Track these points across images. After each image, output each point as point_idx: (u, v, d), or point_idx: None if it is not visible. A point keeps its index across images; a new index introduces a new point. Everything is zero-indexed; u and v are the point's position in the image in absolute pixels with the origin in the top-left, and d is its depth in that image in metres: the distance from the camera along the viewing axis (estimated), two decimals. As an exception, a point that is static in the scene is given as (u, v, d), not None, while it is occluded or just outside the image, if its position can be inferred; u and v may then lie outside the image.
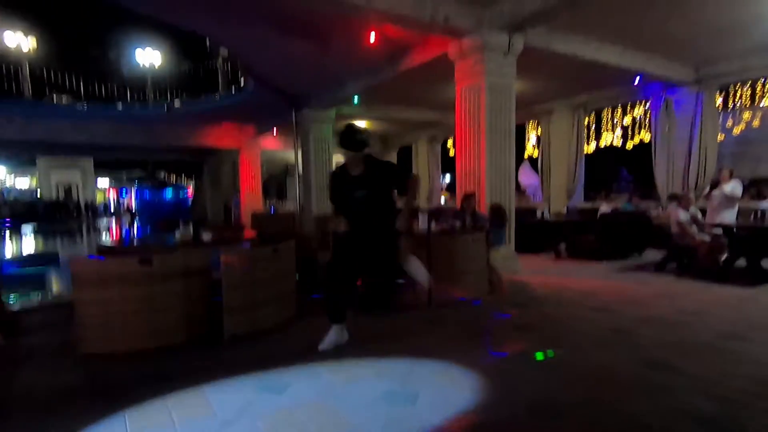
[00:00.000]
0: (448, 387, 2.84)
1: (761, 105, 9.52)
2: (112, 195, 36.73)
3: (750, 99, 10.16)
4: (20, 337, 4.09)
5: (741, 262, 6.12)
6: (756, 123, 9.77)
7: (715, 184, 7.45)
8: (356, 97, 10.90)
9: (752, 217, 6.99)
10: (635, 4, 6.36)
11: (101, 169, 33.36)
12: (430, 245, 4.90)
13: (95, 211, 31.38)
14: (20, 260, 9.45)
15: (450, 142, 17.01)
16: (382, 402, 2.64)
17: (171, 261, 3.66)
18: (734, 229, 6.22)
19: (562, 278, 6.35)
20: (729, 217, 6.82)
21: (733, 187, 6.91)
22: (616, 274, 6.62)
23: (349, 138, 3.41)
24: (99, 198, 34.33)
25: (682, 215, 6.43)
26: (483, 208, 6.63)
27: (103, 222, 28.33)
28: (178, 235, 4.71)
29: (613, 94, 11.17)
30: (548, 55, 7.54)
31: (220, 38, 9.78)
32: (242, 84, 12.58)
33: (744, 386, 2.76)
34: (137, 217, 29.16)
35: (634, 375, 2.96)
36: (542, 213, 9.58)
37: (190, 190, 32.22)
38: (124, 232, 23.19)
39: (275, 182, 21.34)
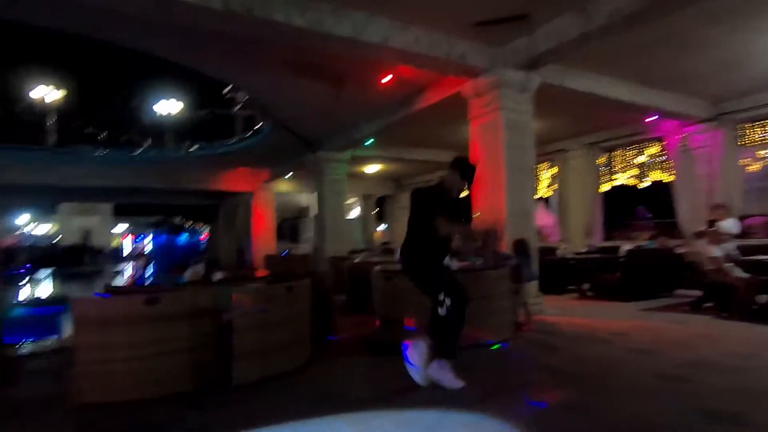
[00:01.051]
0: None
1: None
2: (128, 240, 37.15)
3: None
4: (13, 387, 3.86)
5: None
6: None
7: (711, 222, 7.23)
8: (371, 139, 10.98)
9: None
10: (648, 43, 6.34)
11: (120, 215, 33.96)
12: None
13: (110, 255, 31.66)
14: (30, 303, 9.33)
15: (463, 184, 16.94)
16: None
17: (179, 300, 3.47)
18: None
19: (590, 319, 5.99)
20: (716, 252, 6.44)
21: (730, 224, 6.79)
22: (648, 314, 6.24)
23: (473, 169, 3.60)
24: (114, 243, 34.73)
25: (716, 251, 6.11)
26: (504, 246, 6.38)
27: (116, 266, 28.46)
28: (188, 273, 4.55)
29: (627, 132, 11.07)
30: (563, 92, 7.52)
31: (236, 81, 10.03)
32: (257, 128, 12.82)
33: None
34: (152, 262, 29.25)
35: (692, 429, 2.61)
36: (563, 252, 9.27)
37: (205, 234, 32.43)
38: (136, 275, 23.19)
39: (289, 225, 21.36)
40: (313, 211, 13.94)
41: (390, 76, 7.30)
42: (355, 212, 21.07)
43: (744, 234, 9.54)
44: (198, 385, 3.43)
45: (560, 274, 8.57)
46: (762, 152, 9.54)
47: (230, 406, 3.19)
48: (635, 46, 6.40)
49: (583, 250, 10.60)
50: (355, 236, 18.19)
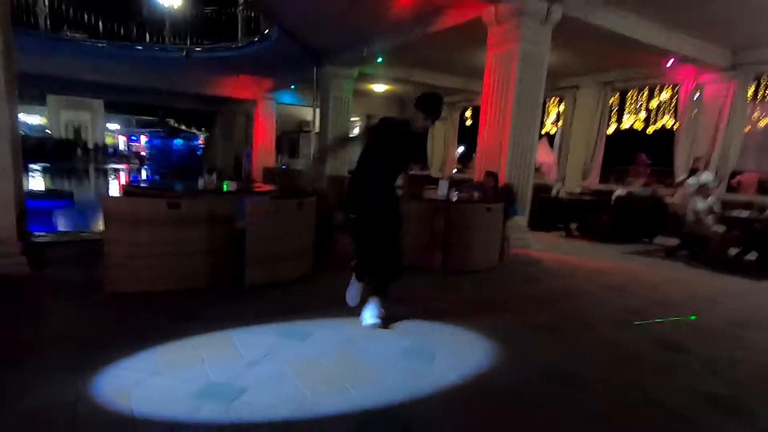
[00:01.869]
0: (465, 349, 2.92)
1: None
2: (122, 139, 36.68)
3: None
4: (47, 268, 4.20)
5: (752, 256, 6.14)
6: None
7: (692, 172, 7.50)
8: (380, 57, 10.66)
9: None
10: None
11: (111, 113, 33.13)
12: (449, 212, 4.95)
13: (105, 153, 31.42)
14: (35, 195, 9.55)
15: (468, 113, 16.77)
16: (402, 357, 2.73)
17: (198, 206, 3.71)
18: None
19: (574, 256, 6.40)
20: (701, 205, 6.74)
21: (708, 177, 7.16)
22: (628, 257, 6.66)
23: (438, 106, 3.22)
24: (108, 141, 34.30)
25: (700, 204, 6.39)
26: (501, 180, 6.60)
27: (112, 164, 28.45)
28: (202, 182, 4.75)
29: (642, 75, 10.86)
30: (584, 28, 7.30)
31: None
32: (264, 34, 12.28)
33: (754, 371, 2.84)
34: (147, 163, 29.23)
35: (648, 354, 3.03)
36: (557, 191, 9.53)
37: (201, 141, 32.14)
38: (131, 176, 23.31)
39: (288, 139, 21.17)
40: (315, 126, 13.80)
41: (409, -5, 7.00)
42: (356, 131, 20.86)
43: (731, 189, 9.88)
44: (214, 284, 3.79)
45: (552, 212, 8.90)
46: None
47: (244, 303, 3.56)
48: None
49: (578, 191, 10.88)
50: (354, 156, 18.22)
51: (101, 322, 3.08)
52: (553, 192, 9.49)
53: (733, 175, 9.93)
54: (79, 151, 28.89)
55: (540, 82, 6.89)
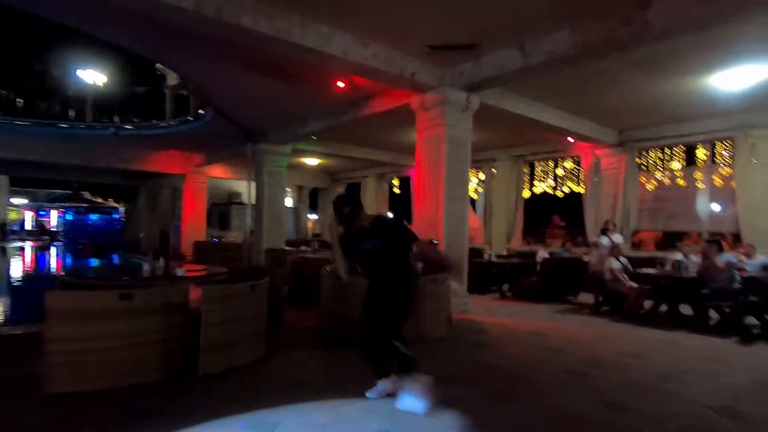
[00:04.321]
0: (435, 426, 3.04)
1: (672, 167, 10.97)
2: (29, 215, 33.70)
3: (661, 161, 11.63)
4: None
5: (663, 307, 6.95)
6: (667, 181, 11.18)
7: (603, 231, 8.52)
8: (314, 135, 11.19)
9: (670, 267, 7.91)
10: (576, 79, 7.30)
11: (19, 187, 30.59)
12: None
13: (2, 231, 28.54)
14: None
15: (396, 182, 17.68)
16: (374, 439, 2.80)
17: (152, 296, 3.63)
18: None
19: (512, 319, 6.81)
20: (615, 264, 7.64)
21: (618, 238, 8.20)
22: (559, 316, 7.22)
23: (339, 210, 3.43)
24: (13, 216, 31.35)
25: (615, 264, 7.22)
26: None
27: (16, 242, 25.91)
28: (147, 267, 4.60)
29: (548, 149, 12.35)
30: (498, 112, 8.33)
31: (183, 70, 9.71)
32: (194, 111, 12.41)
33: (689, 423, 3.20)
34: (60, 239, 26.94)
35: (597, 416, 3.28)
36: (489, 255, 10.21)
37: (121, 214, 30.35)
38: (38, 255, 21.32)
39: (218, 210, 20.71)
40: (245, 197, 13.75)
41: (345, 83, 7.61)
42: (288, 202, 20.97)
43: (635, 246, 11.18)
44: (166, 375, 3.64)
45: (485, 275, 9.47)
46: (658, 174, 11.14)
47: (199, 394, 3.43)
48: (565, 79, 7.31)
49: (504, 254, 11.68)
50: (288, 226, 18.21)
51: (39, 428, 2.84)
52: (485, 256, 10.15)
53: (634, 233, 11.29)
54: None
55: (466, 160, 7.65)
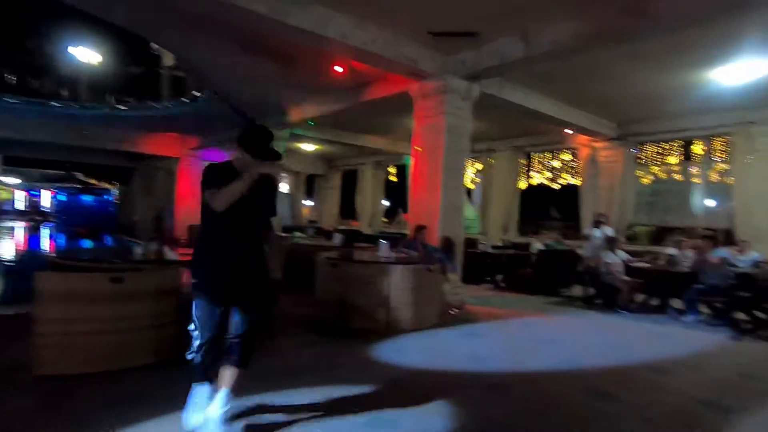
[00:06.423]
0: (427, 413, 3.04)
1: (669, 162, 11.00)
2: (21, 195, 33.40)
3: (659, 155, 11.64)
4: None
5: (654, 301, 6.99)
6: (664, 176, 11.19)
7: (596, 224, 8.52)
8: (311, 120, 11.07)
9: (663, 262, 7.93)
10: (576, 70, 7.23)
11: (11, 166, 30.28)
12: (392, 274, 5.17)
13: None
14: None
15: (392, 169, 17.59)
16: (366, 427, 2.80)
17: (143, 279, 3.59)
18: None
19: (506, 310, 6.82)
20: (610, 257, 7.68)
21: (611, 231, 8.18)
22: (552, 308, 7.24)
23: (262, 146, 2.63)
24: (4, 196, 31.10)
25: (610, 257, 7.22)
26: (434, 240, 7.00)
27: (6, 222, 25.75)
28: (140, 250, 4.55)
29: (546, 141, 12.30)
30: (498, 102, 8.25)
31: (179, 50, 9.55)
32: (191, 94, 12.25)
33: (669, 412, 3.24)
34: (52, 220, 26.75)
35: (589, 405, 3.32)
36: (484, 245, 10.21)
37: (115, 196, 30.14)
38: (29, 236, 21.18)
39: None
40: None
41: (344, 68, 7.50)
42: (284, 188, 20.85)
43: (629, 239, 11.20)
44: (158, 360, 3.60)
45: (480, 265, 9.47)
46: (655, 168, 11.16)
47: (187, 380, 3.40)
48: (566, 71, 7.25)
49: (500, 244, 11.69)
50: (283, 212, 18.15)
51: (27, 411, 2.82)
52: (480, 246, 10.14)
53: (630, 226, 11.33)
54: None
55: (464, 149, 7.62)
